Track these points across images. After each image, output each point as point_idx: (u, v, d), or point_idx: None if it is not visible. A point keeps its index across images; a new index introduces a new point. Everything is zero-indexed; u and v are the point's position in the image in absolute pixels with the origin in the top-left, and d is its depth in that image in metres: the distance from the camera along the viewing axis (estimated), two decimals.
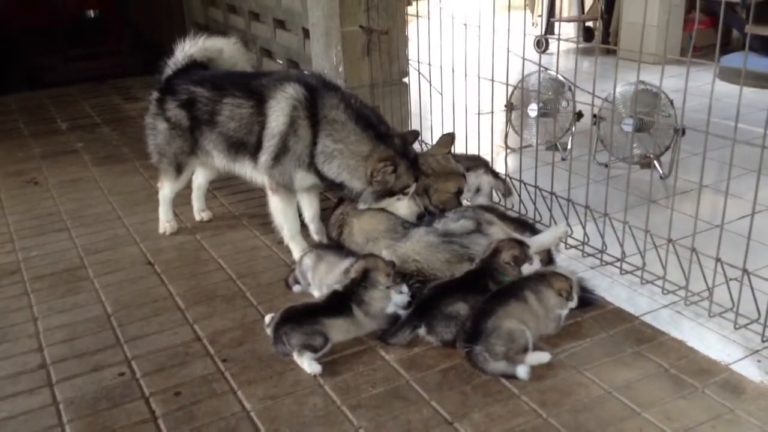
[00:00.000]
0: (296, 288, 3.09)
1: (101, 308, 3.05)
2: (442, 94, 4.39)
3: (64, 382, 2.55)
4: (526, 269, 2.76)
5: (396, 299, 2.77)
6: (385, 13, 4.26)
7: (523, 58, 3.84)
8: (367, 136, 3.06)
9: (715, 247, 2.68)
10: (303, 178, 3.24)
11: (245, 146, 3.31)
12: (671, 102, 4.05)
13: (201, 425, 2.29)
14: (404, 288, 2.80)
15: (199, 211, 3.90)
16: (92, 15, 7.33)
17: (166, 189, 3.71)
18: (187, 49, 3.56)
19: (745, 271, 2.59)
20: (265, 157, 3.23)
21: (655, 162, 4.18)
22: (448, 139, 3.56)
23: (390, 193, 3.09)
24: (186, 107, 3.43)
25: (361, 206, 3.15)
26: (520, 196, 3.67)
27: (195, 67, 3.54)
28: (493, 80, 3.56)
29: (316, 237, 3.52)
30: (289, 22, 5.35)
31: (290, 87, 3.16)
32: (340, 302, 2.70)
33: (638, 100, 4.08)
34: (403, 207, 3.16)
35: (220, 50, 3.65)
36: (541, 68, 4.61)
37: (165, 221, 3.76)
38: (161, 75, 3.56)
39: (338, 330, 2.67)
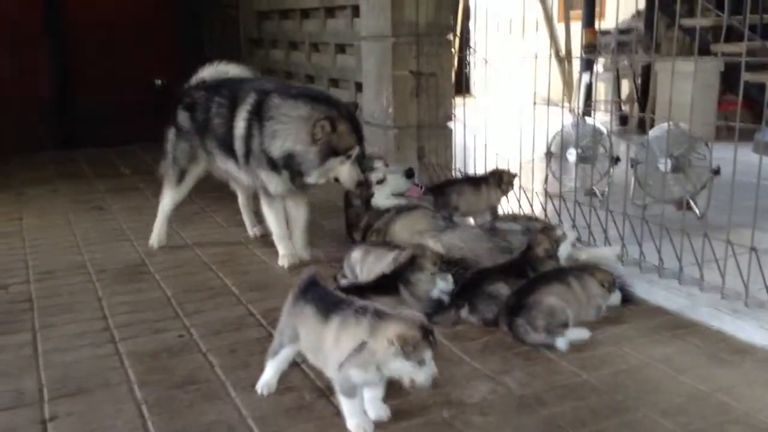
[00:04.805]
0: (344, 282, 3.25)
1: (162, 293, 3.24)
2: (486, 145, 4.64)
3: (126, 340, 2.72)
4: (563, 250, 2.90)
5: (441, 285, 2.90)
6: (434, 60, 4.63)
7: (562, 107, 4.10)
8: (303, 101, 3.31)
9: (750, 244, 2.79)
10: (269, 179, 3.44)
11: (228, 145, 3.59)
12: (706, 144, 4.23)
13: (254, 372, 2.40)
14: (449, 277, 2.94)
15: (251, 227, 4.15)
16: (159, 84, 7.92)
17: (166, 199, 3.98)
18: (200, 73, 3.94)
19: None
20: (239, 160, 3.53)
21: (691, 201, 4.31)
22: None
23: (334, 152, 3.26)
24: (189, 110, 3.79)
25: (311, 179, 3.35)
26: (569, 213, 3.79)
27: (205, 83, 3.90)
28: (538, 106, 3.80)
29: (302, 254, 3.63)
30: (342, 80, 5.78)
31: (250, 96, 3.46)
32: (388, 282, 2.85)
33: (673, 142, 4.27)
34: (345, 171, 3.33)
35: (227, 73, 3.96)
36: (580, 119, 4.87)
37: (156, 234, 3.96)
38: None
39: (384, 307, 2.80)
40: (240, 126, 3.47)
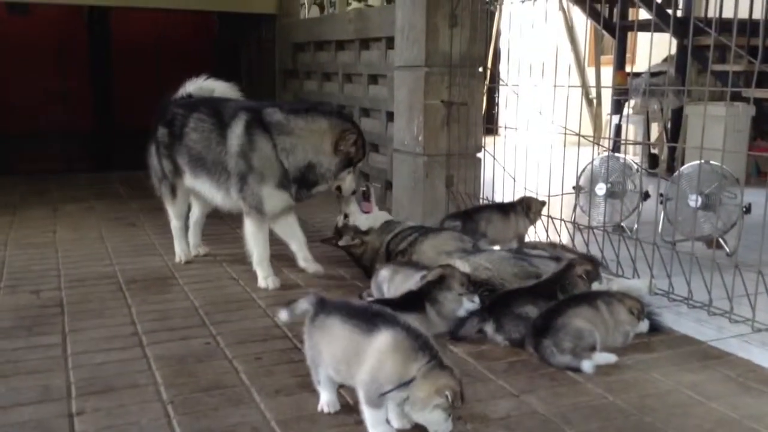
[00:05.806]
0: (369, 300, 3.26)
1: (189, 303, 3.28)
2: (514, 179, 4.67)
3: (154, 345, 2.75)
4: (596, 287, 2.89)
5: (467, 305, 2.90)
6: (466, 90, 4.69)
7: (594, 143, 4.12)
8: (316, 115, 3.44)
9: None
10: (270, 196, 3.50)
11: (204, 162, 3.63)
12: (737, 180, 4.21)
13: (279, 379, 2.43)
14: (476, 298, 2.94)
15: (195, 246, 4.15)
16: None
17: (172, 219, 4.03)
18: (187, 87, 4.01)
19: None
20: (234, 179, 3.53)
21: (721, 239, 4.27)
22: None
23: (349, 162, 3.45)
24: (168, 126, 3.83)
25: (322, 188, 3.50)
26: (586, 240, 3.80)
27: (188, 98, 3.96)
28: (567, 135, 3.83)
29: (303, 264, 3.74)
30: (374, 110, 5.87)
31: (240, 113, 3.52)
32: (415, 300, 2.86)
33: (704, 179, 4.25)
34: (349, 180, 3.53)
35: (212, 90, 4.04)
36: (610, 154, 4.88)
37: (179, 251, 4.02)
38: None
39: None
40: (234, 143, 3.48)
